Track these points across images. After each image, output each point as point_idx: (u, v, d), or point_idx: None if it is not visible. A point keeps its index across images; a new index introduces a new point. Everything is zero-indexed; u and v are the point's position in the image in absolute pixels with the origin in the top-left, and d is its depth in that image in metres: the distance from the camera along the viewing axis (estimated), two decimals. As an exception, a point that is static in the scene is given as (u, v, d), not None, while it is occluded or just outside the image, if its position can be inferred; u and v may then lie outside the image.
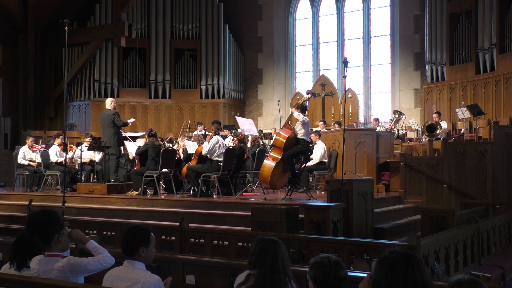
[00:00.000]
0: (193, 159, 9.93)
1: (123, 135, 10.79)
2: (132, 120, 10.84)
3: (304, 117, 8.71)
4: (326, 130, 12.34)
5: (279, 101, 14.61)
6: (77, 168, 11.17)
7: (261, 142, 12.18)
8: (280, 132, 8.84)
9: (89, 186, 10.02)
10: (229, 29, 18.66)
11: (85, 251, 3.60)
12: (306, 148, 8.79)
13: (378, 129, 12.73)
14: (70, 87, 17.99)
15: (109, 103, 10.35)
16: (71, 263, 3.24)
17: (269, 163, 8.70)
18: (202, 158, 9.62)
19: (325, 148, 10.33)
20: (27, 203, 7.42)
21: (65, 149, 10.45)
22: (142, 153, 9.82)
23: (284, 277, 2.93)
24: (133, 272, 3.06)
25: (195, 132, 12.20)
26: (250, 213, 6.75)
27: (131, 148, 10.64)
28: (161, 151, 9.44)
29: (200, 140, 10.11)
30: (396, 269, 2.05)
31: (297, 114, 8.72)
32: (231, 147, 9.65)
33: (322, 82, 16.98)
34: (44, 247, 3.28)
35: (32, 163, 11.13)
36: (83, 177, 10.99)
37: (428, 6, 15.36)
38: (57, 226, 3.28)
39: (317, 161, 10.19)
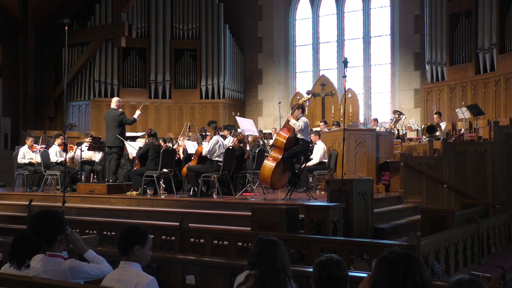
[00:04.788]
0: (193, 159, 9.93)
1: (126, 135, 10.75)
2: (138, 112, 10.38)
3: (301, 124, 8.48)
4: (327, 130, 12.33)
5: (280, 102, 14.55)
6: (77, 168, 11.17)
7: (261, 142, 12.18)
8: (280, 132, 8.82)
9: (89, 186, 10.02)
10: (229, 29, 18.66)
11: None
12: (306, 148, 8.78)
13: (377, 129, 12.72)
14: (70, 87, 17.98)
15: (115, 102, 10.28)
16: (74, 265, 3.24)
17: (269, 163, 8.69)
18: (202, 158, 9.62)
19: (325, 148, 10.32)
20: (27, 203, 7.44)
21: (65, 149, 10.44)
22: (142, 153, 9.83)
23: (284, 278, 2.93)
24: (127, 273, 3.04)
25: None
26: (250, 213, 6.76)
27: (131, 148, 10.64)
28: (161, 151, 9.44)
29: (198, 140, 10.11)
30: (396, 269, 2.05)
31: (293, 122, 8.49)
32: (231, 147, 9.65)
33: (322, 82, 16.98)
34: (46, 248, 3.28)
35: (32, 161, 11.11)
36: (83, 177, 10.99)
37: (428, 6, 15.36)
38: (61, 228, 3.28)
39: (317, 161, 10.18)
